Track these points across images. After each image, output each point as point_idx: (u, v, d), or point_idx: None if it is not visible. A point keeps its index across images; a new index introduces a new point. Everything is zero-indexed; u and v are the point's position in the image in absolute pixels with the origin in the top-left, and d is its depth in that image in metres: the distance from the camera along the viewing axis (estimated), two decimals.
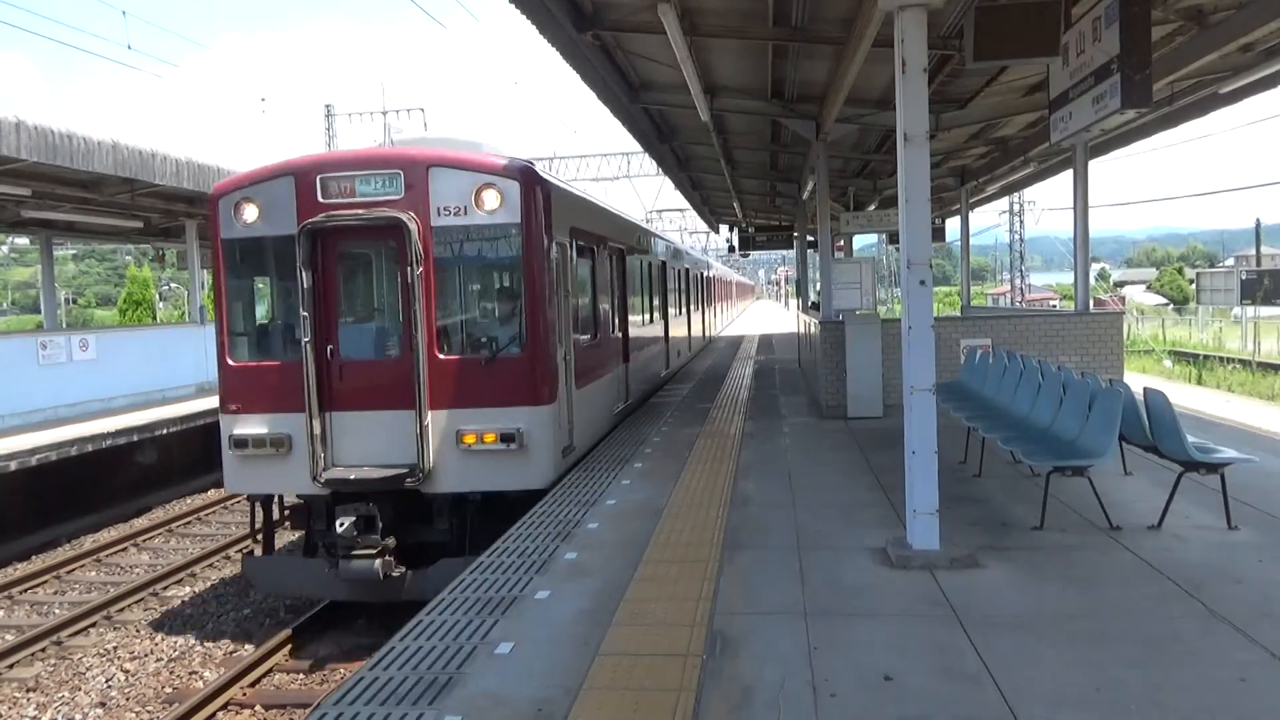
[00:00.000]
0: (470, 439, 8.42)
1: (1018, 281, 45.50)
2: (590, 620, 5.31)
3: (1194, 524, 6.79)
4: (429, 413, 8.35)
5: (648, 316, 16.33)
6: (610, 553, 6.63)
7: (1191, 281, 60.62)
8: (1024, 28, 7.25)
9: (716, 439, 11.30)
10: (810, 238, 24.13)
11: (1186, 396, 13.86)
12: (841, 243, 25.40)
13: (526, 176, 8.63)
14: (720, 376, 19.36)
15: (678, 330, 21.08)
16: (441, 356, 8.51)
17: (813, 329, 15.84)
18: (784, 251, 45.82)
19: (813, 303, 25.64)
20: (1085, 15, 7.26)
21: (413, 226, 8.33)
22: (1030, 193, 48.90)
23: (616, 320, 12.88)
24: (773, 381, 18.06)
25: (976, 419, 8.63)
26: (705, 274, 30.09)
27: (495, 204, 8.44)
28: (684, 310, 22.92)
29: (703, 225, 42.78)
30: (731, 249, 36.26)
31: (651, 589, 5.79)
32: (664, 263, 18.62)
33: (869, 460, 9.65)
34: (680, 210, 46.51)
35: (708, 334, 30.71)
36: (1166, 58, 9.90)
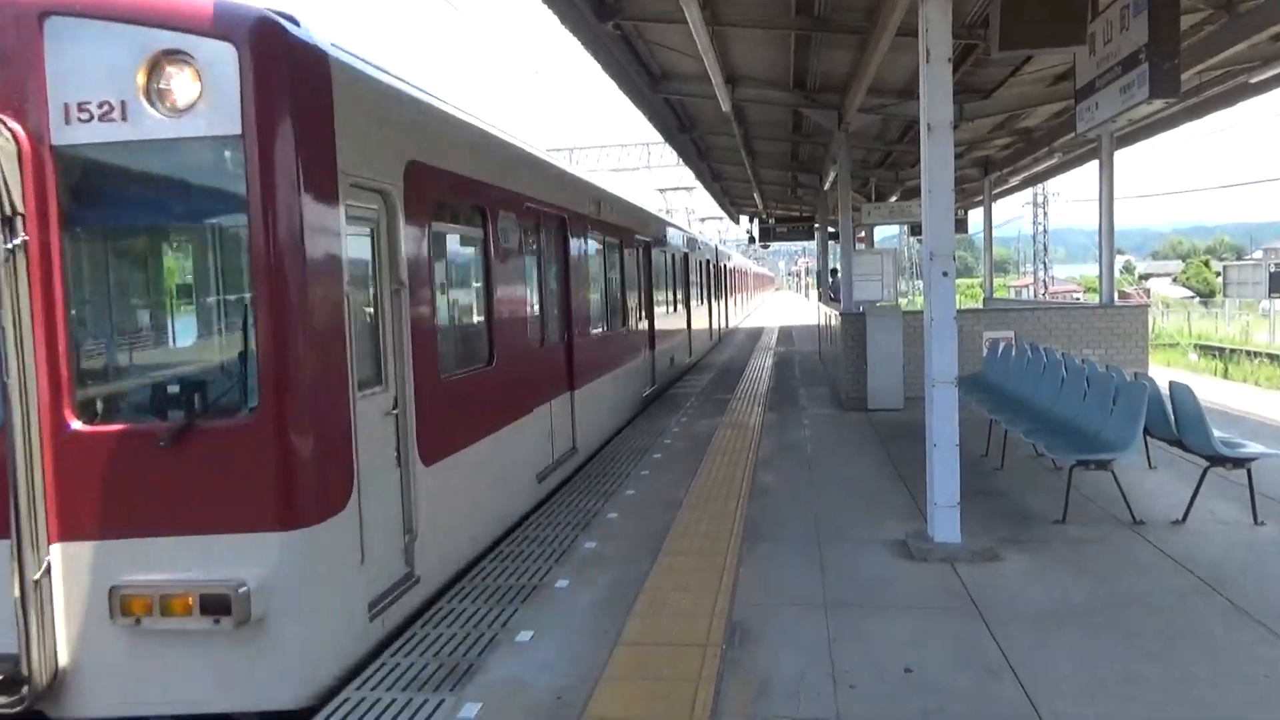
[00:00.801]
0: (139, 605, 4.24)
1: (1040, 274, 45.10)
2: (609, 610, 5.33)
3: (1219, 519, 6.72)
4: (50, 548, 4.25)
5: (621, 318, 12.35)
6: (629, 543, 6.64)
7: (1218, 274, 59.92)
8: (1050, 16, 7.16)
9: (736, 430, 11.29)
10: (831, 229, 24.02)
11: (1212, 390, 13.70)
12: (863, 234, 25.29)
13: (262, 35, 4.31)
14: (739, 368, 19.32)
15: (671, 330, 16.99)
16: (79, 427, 4.32)
17: (833, 321, 15.80)
18: (805, 243, 45.53)
19: (831, 287, 25.64)
20: (1113, 4, 7.15)
21: (3, 145, 4.15)
22: (1053, 184, 48.43)
23: (552, 327, 8.81)
24: (793, 373, 18.01)
25: (998, 412, 8.58)
26: (714, 262, 26.17)
27: (190, 94, 4.26)
28: (683, 305, 18.85)
29: (716, 210, 41.38)
30: (751, 240, 36.18)
31: (670, 579, 5.81)
32: (648, 244, 14.47)
33: (889, 452, 9.61)
34: (687, 189, 41.72)
35: (724, 328, 29.12)
36: (1195, 47, 9.75)
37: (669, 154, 32.70)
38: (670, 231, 17.53)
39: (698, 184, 30.74)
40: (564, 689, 4.33)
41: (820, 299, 24.66)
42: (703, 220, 50.91)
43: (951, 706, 4.04)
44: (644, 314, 14.06)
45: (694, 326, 20.28)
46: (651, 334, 14.45)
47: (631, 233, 13.07)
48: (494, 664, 4.64)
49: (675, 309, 17.83)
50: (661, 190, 43.50)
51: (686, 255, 19.58)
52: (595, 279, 10.82)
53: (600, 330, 10.94)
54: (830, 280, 26.17)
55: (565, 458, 8.99)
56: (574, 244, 9.59)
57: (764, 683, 4.32)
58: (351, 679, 4.58)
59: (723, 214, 38.46)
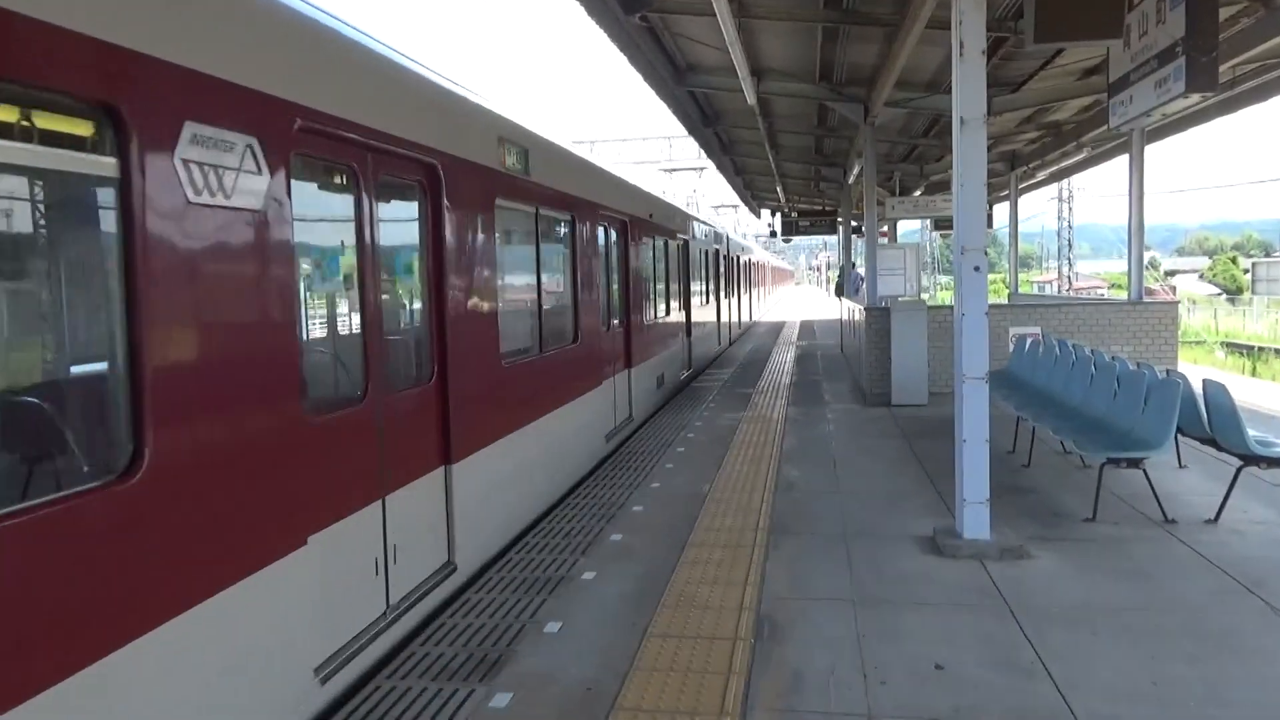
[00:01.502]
0: None
1: (1065, 269, 44.69)
2: (637, 602, 5.33)
3: (1253, 519, 6.64)
4: None
5: (571, 330, 8.73)
6: (655, 535, 6.64)
7: (1246, 271, 59.09)
8: (1086, 9, 7.06)
9: (759, 424, 11.25)
10: (854, 223, 23.90)
11: (1241, 388, 13.51)
12: (886, 228, 25.17)
13: None
14: (761, 362, 19.27)
15: (660, 335, 13.04)
16: None
17: (857, 315, 15.72)
18: (825, 236, 45.14)
19: (838, 284, 25.42)
20: None
21: None
22: (1077, 179, 47.93)
23: (392, 364, 5.19)
24: (815, 368, 17.94)
25: (1026, 408, 8.51)
26: (724, 253, 21.99)
27: None
28: (680, 305, 15.12)
29: (731, 198, 39.15)
30: (773, 233, 36.03)
31: (698, 572, 5.80)
32: (624, 226, 10.94)
33: (914, 448, 9.55)
34: (696, 170, 35.63)
35: (739, 323, 26.92)
36: (1231, 40, 9.63)
37: (691, 146, 32.58)
38: (658, 211, 13.70)
39: (708, 164, 28.69)
40: (594, 680, 4.33)
41: (839, 293, 24.50)
42: (716, 208, 48.18)
43: (985, 704, 4.01)
44: (611, 321, 10.47)
45: (696, 328, 16.60)
46: (627, 346, 11.09)
47: (591, 209, 9.39)
48: (523, 654, 4.66)
49: (668, 310, 14.37)
50: (668, 170, 37.24)
51: (687, 244, 16.30)
52: (507, 274, 7.17)
53: (521, 353, 7.43)
54: (852, 274, 25.99)
55: (422, 590, 5.24)
56: (455, 217, 5.81)
57: (794, 676, 4.31)
58: (381, 669, 4.55)
59: (738, 202, 36.98)
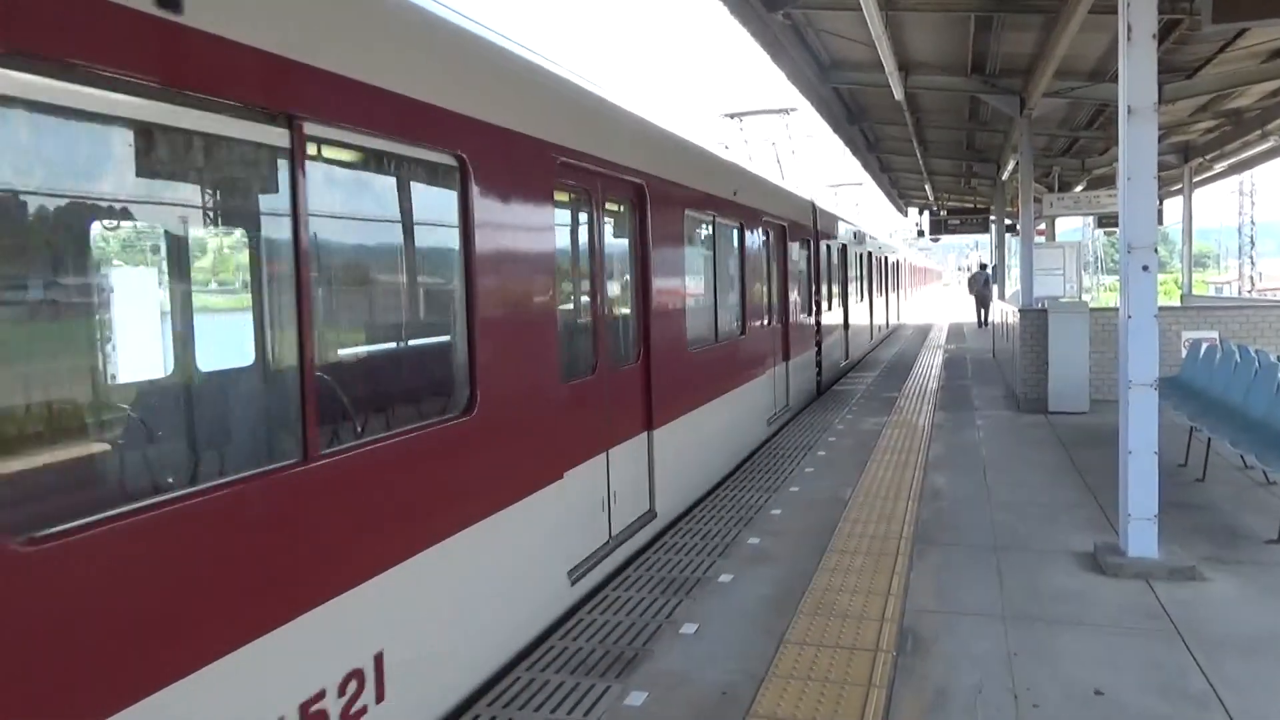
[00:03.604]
0: None
1: (1247, 269, 41.30)
2: (774, 607, 5.26)
3: None
4: None
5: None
6: (793, 540, 6.53)
7: None
8: None
9: (904, 429, 10.91)
10: (1009, 221, 22.83)
11: None
12: (1043, 226, 23.93)
13: None
14: (906, 366, 18.68)
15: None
16: None
17: (1010, 318, 15.02)
18: (977, 236, 43.02)
19: (981, 279, 24.25)
20: None
21: None
22: (1261, 171, 44.14)
23: None
24: (964, 372, 17.25)
25: (1200, 418, 7.89)
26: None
27: None
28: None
29: (850, 172, 34.55)
30: (920, 233, 34.90)
31: (838, 579, 5.66)
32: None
33: (1073, 458, 9.03)
34: (784, 111, 20.92)
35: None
36: None
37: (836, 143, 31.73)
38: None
39: (799, 103, 21.54)
40: (729, 684, 4.29)
41: (998, 296, 23.39)
42: (834, 187, 38.12)
43: None
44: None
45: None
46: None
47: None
48: (659, 654, 4.67)
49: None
50: (735, 117, 22.01)
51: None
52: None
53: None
54: (986, 274, 24.59)
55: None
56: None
57: (939, 693, 4.14)
58: (521, 660, 4.72)
59: (864, 177, 32.31)
